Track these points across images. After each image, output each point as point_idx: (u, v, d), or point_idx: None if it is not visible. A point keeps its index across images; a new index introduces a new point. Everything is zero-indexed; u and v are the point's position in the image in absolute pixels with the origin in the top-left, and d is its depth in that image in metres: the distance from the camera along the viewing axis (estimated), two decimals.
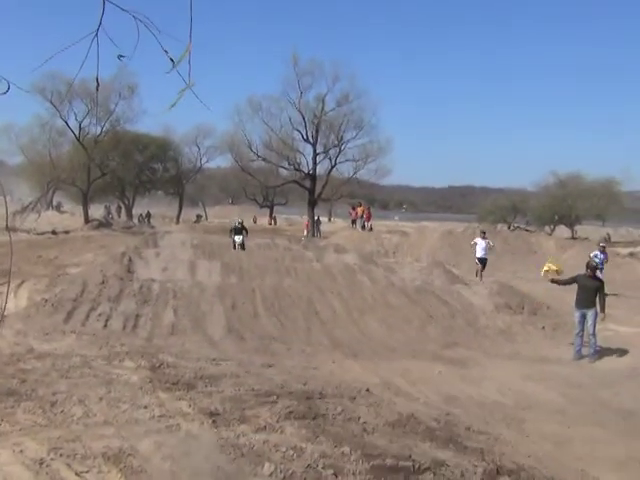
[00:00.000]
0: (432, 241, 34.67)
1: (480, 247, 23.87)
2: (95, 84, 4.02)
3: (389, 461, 6.22)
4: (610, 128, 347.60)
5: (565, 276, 14.15)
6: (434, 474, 6.08)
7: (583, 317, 12.84)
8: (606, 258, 21.62)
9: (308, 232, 46.72)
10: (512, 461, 6.72)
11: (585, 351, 12.91)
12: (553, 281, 13.84)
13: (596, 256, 19.91)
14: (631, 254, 38.10)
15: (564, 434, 8.02)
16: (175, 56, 2.94)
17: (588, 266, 13.24)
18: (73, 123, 47.17)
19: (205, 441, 6.32)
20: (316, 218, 49.42)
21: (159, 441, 6.14)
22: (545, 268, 14.87)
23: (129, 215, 57.93)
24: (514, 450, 7.15)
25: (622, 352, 13.10)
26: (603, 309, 12.86)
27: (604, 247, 22.63)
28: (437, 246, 33.69)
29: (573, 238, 52.63)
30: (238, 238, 25.74)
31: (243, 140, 48.86)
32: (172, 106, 3.33)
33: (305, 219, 51.99)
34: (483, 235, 24.98)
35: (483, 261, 23.82)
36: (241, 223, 26.87)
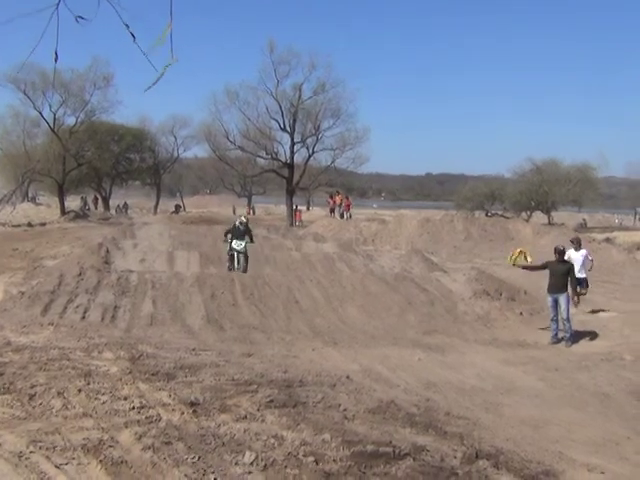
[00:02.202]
0: (410, 229, 34.75)
1: (575, 263, 14.81)
2: (54, 57, 3.95)
3: (369, 447, 6.25)
4: (586, 114, 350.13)
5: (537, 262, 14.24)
6: (414, 459, 6.12)
7: (555, 302, 13.03)
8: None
9: (299, 221, 46.59)
10: (491, 445, 6.78)
11: (562, 335, 13.07)
12: (524, 267, 13.96)
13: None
14: (607, 239, 38.48)
15: (542, 417, 8.11)
16: (144, 38, 2.91)
17: (556, 251, 13.43)
18: (47, 114, 46.76)
19: (186, 431, 6.31)
20: (294, 207, 49.35)
21: (140, 432, 6.12)
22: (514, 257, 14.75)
23: (106, 206, 57.45)
24: (493, 434, 7.21)
25: (597, 336, 13.29)
26: (575, 293, 13.03)
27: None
28: (416, 234, 33.78)
29: (549, 224, 53.06)
30: (239, 245, 17.50)
31: (220, 129, 48.59)
32: (159, 78, 3.29)
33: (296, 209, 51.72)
34: (577, 245, 16.36)
35: (582, 283, 15.63)
36: (245, 224, 18.11)
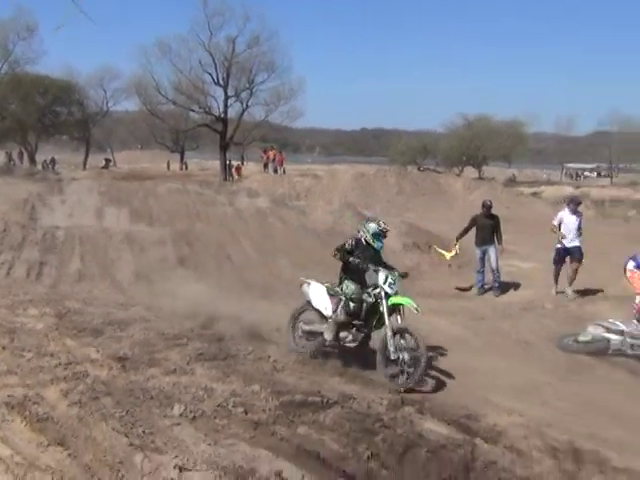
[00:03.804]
0: (344, 184, 34.87)
1: (569, 228, 12.98)
2: None
3: (298, 397, 6.36)
4: (516, 69, 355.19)
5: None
6: (342, 407, 6.27)
7: (484, 254, 13.35)
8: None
9: (240, 177, 45.86)
10: (417, 392, 7.00)
11: (488, 286, 13.47)
12: (458, 238, 13.89)
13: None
14: (534, 194, 39.49)
15: (467, 364, 8.36)
16: None
17: (484, 205, 13.70)
18: None
19: (114, 386, 6.28)
20: (228, 162, 48.78)
21: (66, 388, 6.07)
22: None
23: (32, 161, 55.47)
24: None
25: (522, 286, 13.73)
26: (500, 242, 13.36)
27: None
28: (349, 188, 33.93)
29: (480, 178, 54.04)
30: (388, 282, 7.83)
31: (151, 83, 47.30)
32: (64, 23, 3.18)
33: (235, 164, 50.94)
34: (574, 206, 13.31)
35: (576, 253, 12.90)
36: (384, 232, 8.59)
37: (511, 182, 56.28)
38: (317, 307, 8.45)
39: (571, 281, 12.82)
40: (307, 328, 8.45)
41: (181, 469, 4.52)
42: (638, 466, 5.61)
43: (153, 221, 17.39)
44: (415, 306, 7.69)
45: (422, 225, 19.26)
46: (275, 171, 41.71)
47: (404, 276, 8.46)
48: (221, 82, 47.30)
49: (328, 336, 8.03)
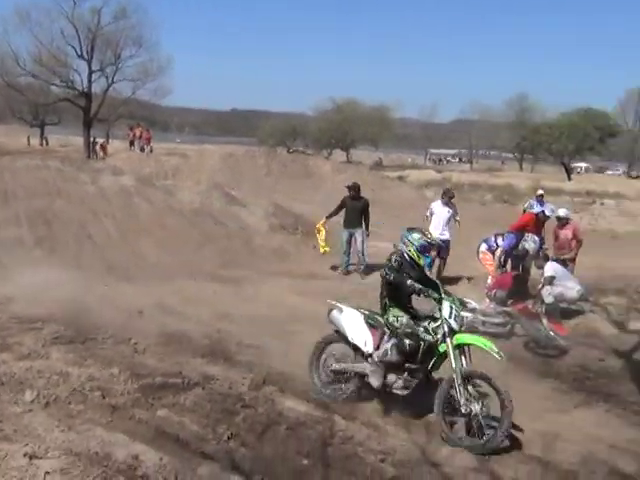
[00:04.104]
0: (212, 164, 34.45)
1: (439, 219, 13.14)
2: None
3: (158, 379, 6.30)
4: (383, 55, 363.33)
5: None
6: (203, 388, 6.27)
7: (351, 236, 13.63)
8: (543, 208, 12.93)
9: (105, 155, 43.91)
10: (279, 372, 7.08)
11: (353, 268, 13.79)
12: (327, 217, 14.01)
13: (531, 206, 13.62)
14: (399, 177, 40.68)
15: None
16: None
17: (352, 188, 13.96)
18: None
19: None
20: (92, 139, 46.92)
21: None
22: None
23: None
24: (282, 361, 7.50)
25: (382, 265, 14.12)
26: (368, 226, 13.70)
27: (542, 196, 14.65)
28: (217, 169, 33.54)
29: (348, 162, 55.04)
30: (455, 320, 6.41)
31: (9, 53, 44.58)
32: None
33: (100, 141, 48.74)
34: (447, 199, 13.40)
35: (444, 248, 12.96)
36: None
37: (377, 166, 57.66)
38: (353, 341, 6.77)
39: (438, 274, 12.66)
40: (338, 367, 6.82)
41: (31, 457, 4.38)
42: None
43: (7, 198, 16.44)
44: (496, 350, 6.07)
45: (290, 206, 19.40)
46: (142, 149, 40.54)
47: (464, 304, 6.91)
48: (85, 55, 45.49)
49: (375, 381, 6.42)
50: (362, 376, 6.59)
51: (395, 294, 6.74)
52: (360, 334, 6.76)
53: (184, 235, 14.83)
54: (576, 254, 12.19)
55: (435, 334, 6.33)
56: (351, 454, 5.42)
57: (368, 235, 13.79)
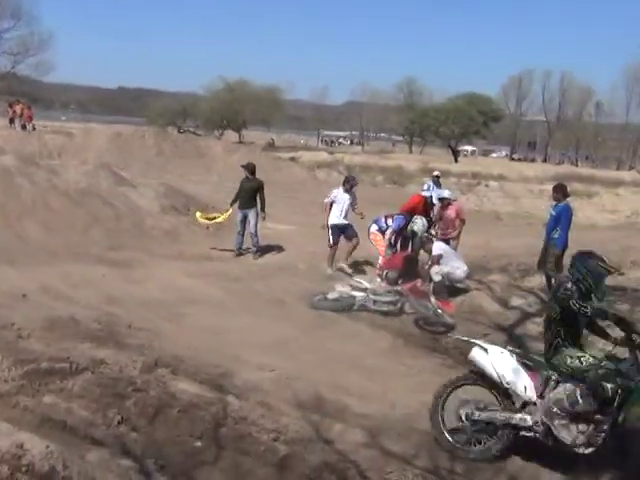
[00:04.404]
0: (100, 143, 33.42)
1: (339, 207, 12.52)
2: None
3: (44, 365, 6.10)
4: (274, 37, 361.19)
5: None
6: (92, 373, 6.11)
7: (245, 217, 13.60)
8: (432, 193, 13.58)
9: None
10: (171, 354, 6.99)
11: (246, 247, 13.78)
12: (231, 203, 13.89)
13: (428, 187, 14.90)
14: (292, 158, 40.79)
15: (221, 324, 8.53)
16: None
17: (246, 167, 13.95)
18: None
19: None
20: None
21: None
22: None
23: None
24: (174, 343, 7.42)
25: (277, 248, 14.22)
26: (263, 209, 13.71)
27: (438, 177, 17.35)
28: (105, 148, 32.58)
29: (240, 142, 54.66)
30: None
31: None
32: None
33: None
34: (349, 186, 12.75)
35: (348, 230, 12.54)
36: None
37: (270, 147, 57.54)
38: (508, 385, 5.52)
39: (347, 255, 12.47)
40: (480, 416, 5.56)
41: None
42: (374, 410, 6.14)
43: None
44: None
45: (181, 187, 19.09)
46: (24, 127, 38.64)
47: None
48: None
49: (568, 437, 5.23)
50: (515, 428, 5.46)
51: (571, 330, 5.55)
52: (518, 378, 5.52)
53: (70, 216, 14.29)
54: (459, 232, 12.70)
55: (628, 379, 5.12)
56: (244, 434, 5.43)
57: (264, 217, 13.79)
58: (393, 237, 12.00)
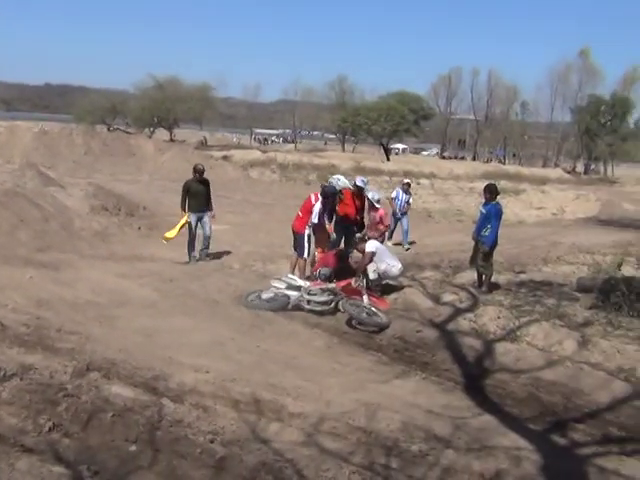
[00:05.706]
0: (25, 141, 32.52)
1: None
2: None
3: None
4: (206, 34, 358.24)
5: None
6: (21, 379, 5.95)
7: (199, 220, 13.33)
8: (408, 199, 17.15)
9: None
10: (103, 357, 6.84)
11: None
12: (183, 208, 13.48)
13: (397, 196, 16.92)
14: (225, 157, 40.55)
15: (154, 326, 8.39)
16: None
17: (195, 170, 13.64)
18: None
19: None
20: None
21: None
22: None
23: None
24: (106, 347, 7.26)
25: (214, 248, 14.06)
26: (211, 207, 13.50)
27: (409, 185, 18.11)
28: (31, 147, 31.73)
29: (172, 141, 54.04)
30: None
31: None
32: None
33: None
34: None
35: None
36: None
37: (202, 145, 57.05)
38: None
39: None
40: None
41: None
42: (310, 409, 6.17)
43: None
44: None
45: (111, 187, 18.75)
46: None
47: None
48: None
49: None
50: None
51: None
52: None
53: None
54: (381, 235, 13.01)
55: None
56: (180, 437, 5.38)
57: (214, 217, 13.61)
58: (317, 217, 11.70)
